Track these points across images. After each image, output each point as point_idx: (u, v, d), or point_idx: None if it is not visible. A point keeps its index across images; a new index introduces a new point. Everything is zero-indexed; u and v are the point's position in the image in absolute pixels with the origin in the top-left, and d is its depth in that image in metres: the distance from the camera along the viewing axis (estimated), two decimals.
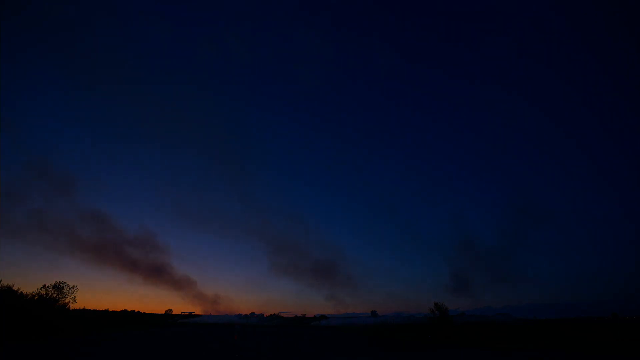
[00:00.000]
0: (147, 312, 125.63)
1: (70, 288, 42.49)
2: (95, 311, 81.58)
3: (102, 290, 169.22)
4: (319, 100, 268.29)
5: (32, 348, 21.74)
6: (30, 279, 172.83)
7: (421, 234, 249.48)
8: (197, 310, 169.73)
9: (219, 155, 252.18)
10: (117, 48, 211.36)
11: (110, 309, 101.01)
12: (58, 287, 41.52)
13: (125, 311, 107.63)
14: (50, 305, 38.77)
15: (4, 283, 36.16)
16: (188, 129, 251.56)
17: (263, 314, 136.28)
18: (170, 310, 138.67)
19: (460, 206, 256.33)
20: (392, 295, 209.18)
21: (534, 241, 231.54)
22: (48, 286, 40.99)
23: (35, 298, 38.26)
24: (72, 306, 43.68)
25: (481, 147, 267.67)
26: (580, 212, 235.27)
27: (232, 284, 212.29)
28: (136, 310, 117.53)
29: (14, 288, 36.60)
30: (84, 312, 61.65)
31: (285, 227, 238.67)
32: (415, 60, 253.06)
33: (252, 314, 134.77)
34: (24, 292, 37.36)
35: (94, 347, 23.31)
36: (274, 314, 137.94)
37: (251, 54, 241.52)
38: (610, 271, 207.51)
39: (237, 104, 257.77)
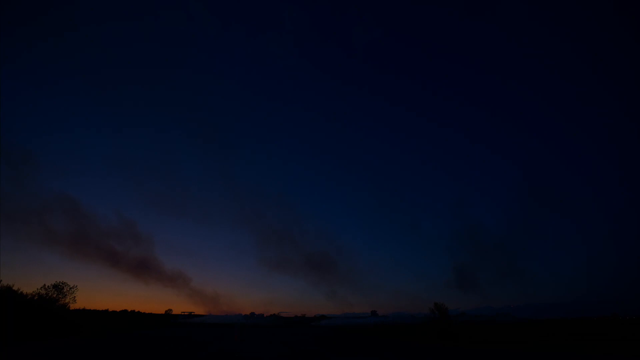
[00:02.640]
0: (146, 312, 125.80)
1: (71, 288, 42.52)
2: (95, 311, 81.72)
3: (97, 289, 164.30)
4: (314, 81, 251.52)
5: (38, 349, 21.75)
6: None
7: (422, 224, 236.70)
8: (197, 310, 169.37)
9: (202, 136, 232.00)
10: (83, 20, 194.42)
11: (109, 309, 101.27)
12: (58, 287, 41.54)
13: (125, 311, 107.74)
14: (50, 305, 38.80)
15: (4, 283, 36.21)
16: (166, 107, 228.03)
17: (263, 314, 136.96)
18: (170, 310, 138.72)
19: (464, 193, 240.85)
20: (393, 293, 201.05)
21: (544, 232, 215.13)
22: (48, 286, 41.02)
23: (35, 298, 38.31)
24: (72, 306, 43.76)
25: (486, 126, 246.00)
26: (599, 201, 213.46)
27: (228, 281, 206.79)
28: (136, 311, 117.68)
29: (14, 288, 36.67)
30: (84, 312, 61.77)
31: (281, 221, 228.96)
32: (416, 39, 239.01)
33: (252, 314, 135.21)
34: (24, 291, 37.43)
35: (95, 349, 23.32)
36: (275, 314, 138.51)
37: (230, 27, 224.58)
38: (623, 267, 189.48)
39: (222, 80, 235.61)
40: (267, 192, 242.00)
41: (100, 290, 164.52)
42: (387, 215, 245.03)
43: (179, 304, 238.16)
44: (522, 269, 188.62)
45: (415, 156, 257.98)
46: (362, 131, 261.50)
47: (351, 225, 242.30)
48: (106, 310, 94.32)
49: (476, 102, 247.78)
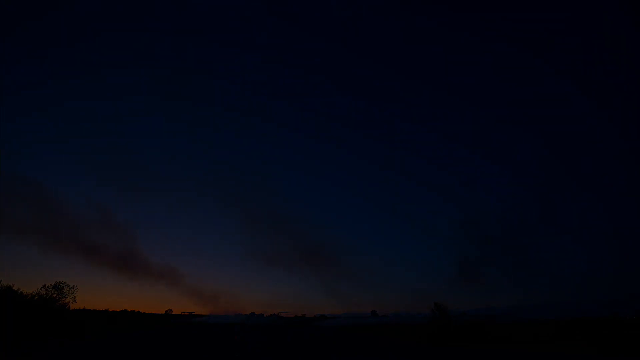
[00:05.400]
0: (146, 312, 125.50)
1: (71, 288, 42.47)
2: (95, 311, 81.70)
3: (95, 288, 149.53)
4: (308, 70, 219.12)
5: (41, 349, 21.69)
6: None
7: (423, 217, 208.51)
8: (198, 310, 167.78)
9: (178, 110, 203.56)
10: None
11: (109, 309, 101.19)
12: (58, 287, 41.49)
13: (125, 311, 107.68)
14: (50, 305, 38.71)
15: (4, 283, 36.15)
16: (145, 77, 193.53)
17: (263, 314, 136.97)
18: (170, 310, 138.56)
19: (466, 177, 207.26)
20: (394, 290, 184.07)
21: (563, 218, 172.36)
22: (48, 286, 40.99)
23: (35, 298, 38.24)
24: (72, 306, 43.68)
25: (492, 103, 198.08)
26: (629, 185, 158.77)
27: (225, 278, 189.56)
28: (136, 311, 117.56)
29: (14, 288, 36.62)
30: (84, 312, 61.77)
31: (278, 217, 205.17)
32: (411, 14, 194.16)
33: (252, 314, 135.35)
34: (24, 291, 37.37)
35: (95, 349, 23.26)
36: (274, 314, 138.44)
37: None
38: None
39: (205, 60, 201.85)
40: (253, 179, 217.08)
41: (90, 289, 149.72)
42: (387, 208, 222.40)
43: (180, 304, 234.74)
44: (529, 266, 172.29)
45: (415, 142, 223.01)
46: (360, 120, 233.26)
47: (350, 220, 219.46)
48: (106, 310, 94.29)
49: (479, 77, 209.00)
